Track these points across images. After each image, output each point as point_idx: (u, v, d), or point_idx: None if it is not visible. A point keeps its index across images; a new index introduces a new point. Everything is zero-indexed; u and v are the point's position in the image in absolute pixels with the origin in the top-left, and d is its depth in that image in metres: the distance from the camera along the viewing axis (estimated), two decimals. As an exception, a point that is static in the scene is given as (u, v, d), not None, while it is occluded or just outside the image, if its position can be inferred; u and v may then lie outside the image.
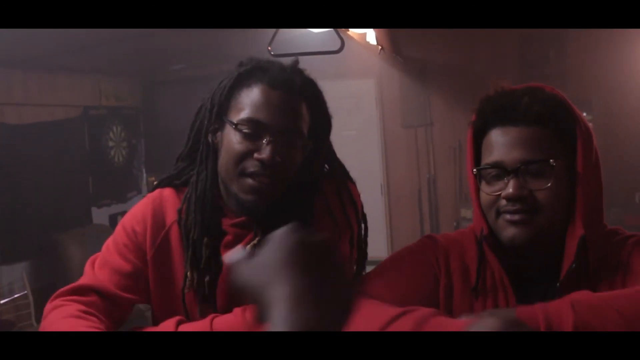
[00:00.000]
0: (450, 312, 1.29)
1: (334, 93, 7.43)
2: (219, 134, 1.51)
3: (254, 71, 1.48)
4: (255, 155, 1.42)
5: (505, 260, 1.30)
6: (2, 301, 5.19)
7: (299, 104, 1.47)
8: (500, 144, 1.28)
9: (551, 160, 1.25)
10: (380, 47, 5.20)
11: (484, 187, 1.31)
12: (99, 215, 6.52)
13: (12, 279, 5.34)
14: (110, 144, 6.88)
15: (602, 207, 1.33)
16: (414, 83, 7.15)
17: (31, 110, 5.71)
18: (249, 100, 1.45)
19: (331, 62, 6.43)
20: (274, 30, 2.62)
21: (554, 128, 1.27)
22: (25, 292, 5.31)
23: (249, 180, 1.44)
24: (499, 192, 1.27)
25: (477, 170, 1.32)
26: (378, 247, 7.06)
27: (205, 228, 1.51)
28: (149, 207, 1.57)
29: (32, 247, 5.54)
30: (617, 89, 6.43)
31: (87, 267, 1.54)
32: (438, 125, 7.17)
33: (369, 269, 1.54)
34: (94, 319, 1.43)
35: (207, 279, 1.50)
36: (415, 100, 7.17)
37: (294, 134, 1.45)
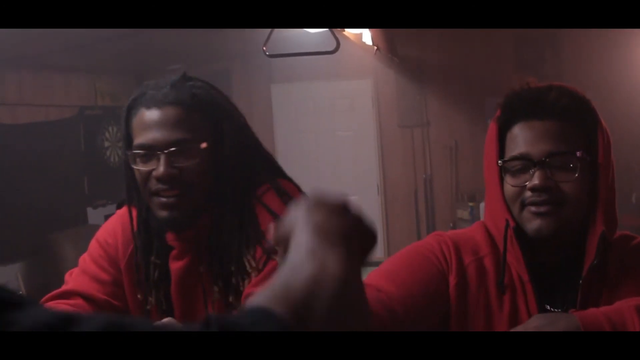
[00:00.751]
0: (465, 310, 1.28)
1: (329, 93, 7.41)
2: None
3: (136, 99, 1.53)
4: (153, 174, 1.48)
5: (526, 256, 1.29)
6: None
7: (179, 113, 1.49)
8: (526, 137, 1.28)
9: (578, 153, 1.25)
10: (376, 48, 5.20)
11: (508, 180, 1.30)
12: (95, 216, 6.50)
13: (7, 279, 5.32)
14: (106, 144, 6.86)
15: (616, 208, 1.34)
16: (410, 83, 7.15)
17: (26, 110, 5.69)
18: (136, 127, 1.51)
19: (327, 63, 6.44)
20: (269, 30, 2.61)
21: (578, 123, 1.28)
22: (20, 292, 5.29)
23: (157, 199, 1.49)
24: (524, 184, 1.27)
25: (502, 162, 1.31)
26: (374, 247, 7.00)
27: (149, 251, 1.58)
28: (118, 221, 1.66)
29: (27, 247, 5.52)
30: (613, 89, 6.44)
31: (67, 277, 1.61)
32: (434, 125, 7.17)
33: (367, 269, 1.52)
34: None
35: (161, 294, 1.58)
36: (411, 100, 7.17)
37: (182, 143, 1.48)
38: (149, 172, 1.48)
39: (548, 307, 1.29)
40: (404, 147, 7.29)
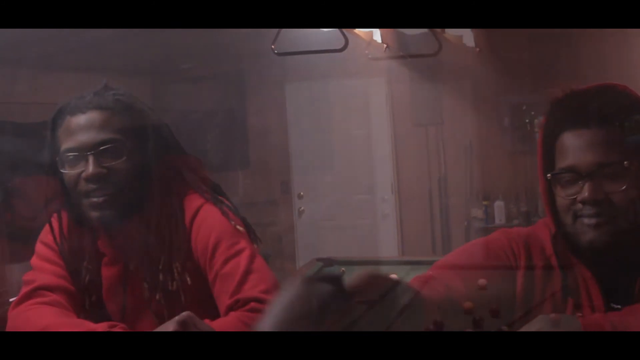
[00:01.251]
0: (529, 309, 1.27)
1: (344, 92, 7.40)
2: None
3: (61, 109, 1.61)
4: (82, 175, 1.53)
5: (586, 258, 1.28)
6: (12, 299, 5.21)
7: (104, 116, 1.58)
8: (574, 147, 1.26)
9: (625, 162, 1.22)
10: (385, 46, 5.20)
11: (559, 191, 1.29)
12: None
13: (22, 277, 5.34)
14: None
15: None
16: (424, 81, 7.11)
17: (39, 109, 5.72)
18: (62, 134, 1.58)
19: (340, 61, 6.41)
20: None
21: (627, 128, 1.25)
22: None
23: (87, 200, 1.55)
24: (574, 196, 1.25)
25: (550, 175, 1.30)
26: (388, 246, 6.98)
27: (81, 257, 1.63)
28: (56, 222, 1.70)
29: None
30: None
31: (25, 278, 1.67)
32: (449, 123, 7.13)
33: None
34: (70, 313, 1.55)
35: (93, 298, 1.63)
36: (425, 99, 7.14)
37: (108, 143, 1.55)
38: (78, 175, 1.54)
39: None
40: (418, 146, 7.25)
